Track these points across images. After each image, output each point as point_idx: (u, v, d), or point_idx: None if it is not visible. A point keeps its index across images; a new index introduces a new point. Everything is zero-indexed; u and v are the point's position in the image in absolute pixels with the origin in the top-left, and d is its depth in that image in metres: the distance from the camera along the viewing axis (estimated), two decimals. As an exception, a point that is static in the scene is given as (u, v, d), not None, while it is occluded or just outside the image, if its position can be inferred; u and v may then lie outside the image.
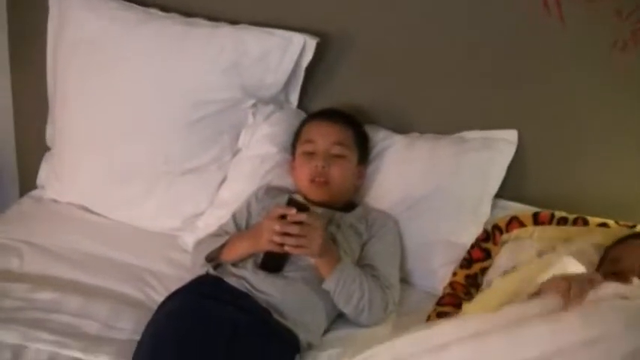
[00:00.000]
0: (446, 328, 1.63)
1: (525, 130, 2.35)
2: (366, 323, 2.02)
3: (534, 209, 2.24)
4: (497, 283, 1.79)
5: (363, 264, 2.09)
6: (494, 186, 2.32)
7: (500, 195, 2.35)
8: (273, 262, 2.01)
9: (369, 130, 2.40)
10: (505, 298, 1.68)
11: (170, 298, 1.96)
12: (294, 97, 2.49)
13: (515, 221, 2.10)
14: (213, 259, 2.11)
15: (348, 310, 1.99)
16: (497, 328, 1.53)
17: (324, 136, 2.24)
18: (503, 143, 2.33)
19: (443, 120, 2.42)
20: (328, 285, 1.96)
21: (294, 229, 1.89)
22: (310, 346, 1.98)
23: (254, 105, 2.43)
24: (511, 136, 2.34)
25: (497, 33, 2.28)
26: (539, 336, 1.49)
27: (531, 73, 2.31)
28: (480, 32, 2.30)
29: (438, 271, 2.20)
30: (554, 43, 2.23)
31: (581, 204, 2.24)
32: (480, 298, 1.80)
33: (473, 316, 1.68)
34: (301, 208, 1.93)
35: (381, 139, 2.40)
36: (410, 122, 2.45)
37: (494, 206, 2.32)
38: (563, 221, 2.07)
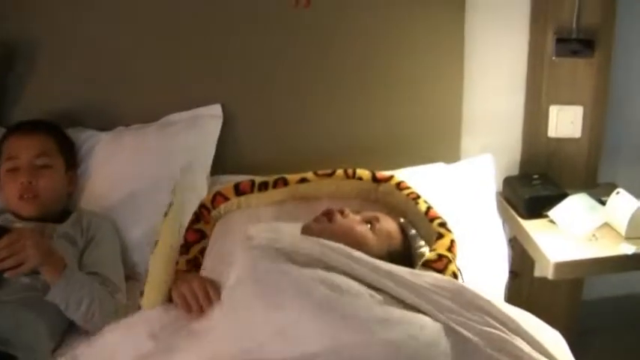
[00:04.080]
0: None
1: (230, 102, 2.38)
2: (98, 327, 1.93)
3: (254, 177, 2.26)
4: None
5: (86, 272, 2.02)
6: (207, 162, 2.32)
7: (220, 170, 2.36)
8: None
9: (73, 133, 2.32)
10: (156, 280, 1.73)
11: None
12: (-8, 114, 2.36)
13: (219, 196, 2.07)
14: None
15: (77, 316, 1.92)
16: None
17: (26, 150, 2.14)
18: (209, 119, 2.33)
19: (148, 108, 2.39)
20: (56, 291, 1.88)
21: (1, 254, 1.80)
22: (39, 366, 1.90)
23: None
24: (216, 110, 2.35)
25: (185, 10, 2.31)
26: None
27: (228, 47, 2.35)
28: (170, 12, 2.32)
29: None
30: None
31: (294, 162, 2.27)
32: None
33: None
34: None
35: (86, 139, 2.33)
36: (114, 117, 2.39)
37: (215, 183, 2.32)
38: (264, 186, 2.08)
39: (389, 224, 1.85)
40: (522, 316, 1.57)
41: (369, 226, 1.80)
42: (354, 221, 1.81)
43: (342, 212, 1.82)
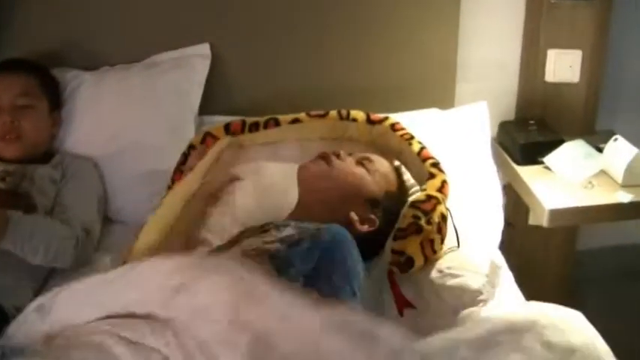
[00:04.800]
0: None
1: (219, 41, 2.31)
2: (68, 265, 1.94)
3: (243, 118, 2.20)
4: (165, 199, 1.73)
5: (55, 204, 2.02)
6: (195, 104, 2.26)
7: (208, 111, 2.30)
8: None
9: (57, 73, 2.25)
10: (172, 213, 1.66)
11: None
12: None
13: (209, 137, 2.00)
14: None
15: (39, 261, 1.89)
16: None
17: (7, 90, 2.09)
18: (197, 59, 2.27)
19: (134, 47, 2.31)
20: (7, 246, 1.84)
21: None
22: (20, 310, 1.86)
23: None
24: (204, 50, 2.29)
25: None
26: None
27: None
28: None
29: (148, 204, 2.12)
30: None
31: (285, 103, 2.20)
32: (151, 221, 1.71)
33: None
34: None
35: (70, 79, 2.26)
36: (100, 57, 2.32)
37: (202, 123, 2.26)
38: (255, 127, 2.02)
39: (382, 165, 1.84)
40: (545, 310, 1.43)
41: (363, 167, 1.79)
42: (351, 164, 1.80)
43: (337, 155, 1.81)
